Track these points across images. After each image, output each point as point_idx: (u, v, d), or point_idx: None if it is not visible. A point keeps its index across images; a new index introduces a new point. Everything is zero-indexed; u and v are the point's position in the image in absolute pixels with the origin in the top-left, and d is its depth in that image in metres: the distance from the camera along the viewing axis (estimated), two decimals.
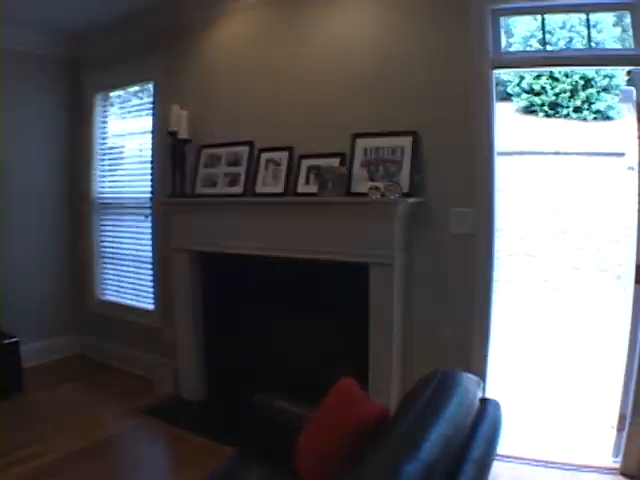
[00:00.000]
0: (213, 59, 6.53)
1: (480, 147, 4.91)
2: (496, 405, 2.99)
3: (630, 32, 4.55)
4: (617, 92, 14.44)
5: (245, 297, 6.19)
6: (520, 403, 6.45)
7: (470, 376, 2.98)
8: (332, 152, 5.59)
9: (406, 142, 5.17)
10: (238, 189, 6.17)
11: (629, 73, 4.73)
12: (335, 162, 5.52)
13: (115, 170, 7.91)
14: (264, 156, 6.09)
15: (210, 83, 6.57)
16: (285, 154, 5.94)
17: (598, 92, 14.37)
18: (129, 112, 7.71)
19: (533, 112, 14.78)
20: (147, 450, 5.62)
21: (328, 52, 5.66)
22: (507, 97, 15.26)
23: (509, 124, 14.25)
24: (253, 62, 6.19)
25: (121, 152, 7.85)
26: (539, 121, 14.50)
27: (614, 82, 14.38)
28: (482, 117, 4.89)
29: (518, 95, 15.03)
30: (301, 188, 5.73)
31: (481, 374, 4.88)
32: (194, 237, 6.35)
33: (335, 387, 3.25)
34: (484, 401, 2.96)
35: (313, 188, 5.51)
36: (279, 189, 5.88)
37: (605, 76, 14.27)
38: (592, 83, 14.28)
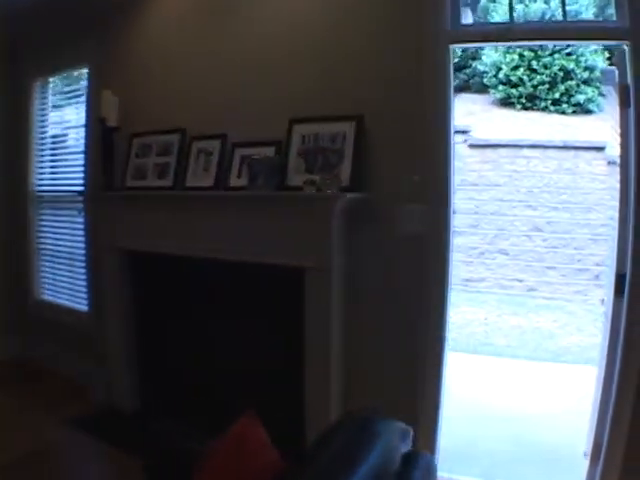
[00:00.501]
0: (146, 41, 5.79)
1: (435, 134, 4.13)
2: (427, 463, 2.25)
3: (612, 2, 3.74)
4: (597, 85, 13.92)
5: (178, 302, 5.49)
6: (478, 428, 5.71)
7: (394, 424, 2.24)
8: (267, 140, 4.81)
9: (348, 128, 4.39)
10: (167, 182, 5.42)
11: (611, 53, 3.92)
12: (270, 151, 4.74)
13: (56, 162, 7.21)
14: (196, 145, 5.32)
15: (144, 66, 5.81)
16: (218, 143, 5.16)
17: (578, 84, 13.83)
18: (68, 99, 7.04)
19: (510, 104, 14.22)
20: (69, 469, 4.94)
21: (264, 31, 4.93)
22: (484, 88, 14.76)
23: (485, 116, 13.58)
24: (187, 43, 5.45)
25: (62, 142, 7.17)
26: (516, 114, 13.88)
27: (595, 74, 13.84)
28: (438, 100, 4.10)
29: (495, 87, 14.45)
30: (233, 181, 4.96)
31: (431, 398, 4.26)
32: (123, 234, 5.62)
33: (233, 429, 2.54)
34: (411, 457, 2.21)
35: (246, 181, 4.73)
36: (210, 182, 5.12)
37: (586, 68, 13.77)
38: (572, 75, 13.75)
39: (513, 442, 5.34)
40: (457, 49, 4.34)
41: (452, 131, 4.17)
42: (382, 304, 4.38)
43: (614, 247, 3.96)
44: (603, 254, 10.93)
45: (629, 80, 3.69)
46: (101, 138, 5.82)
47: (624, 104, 3.78)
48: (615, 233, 3.95)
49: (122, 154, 5.76)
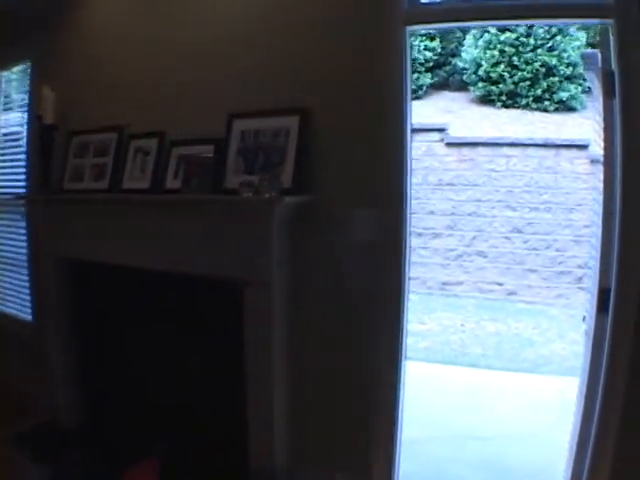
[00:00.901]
0: (86, 36, 5.30)
1: (390, 129, 3.57)
2: None
3: None
4: (581, 81, 13.34)
5: (115, 314, 4.97)
6: (448, 450, 5.20)
7: None
8: (207, 137, 4.24)
9: (292, 123, 3.82)
10: (104, 184, 4.87)
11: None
12: (210, 150, 4.17)
13: (5, 162, 6.70)
14: (134, 144, 4.76)
15: (84, 61, 5.29)
16: (155, 141, 4.61)
17: (560, 81, 13.43)
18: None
19: (490, 102, 13.82)
20: None
21: (202, 20, 4.41)
22: (463, 86, 14.38)
23: (464, 114, 13.09)
24: (124, 36, 4.94)
25: (16, 140, 6.55)
26: (497, 112, 13.50)
27: (578, 70, 13.31)
28: (393, 89, 3.55)
29: (475, 84, 14.02)
30: (170, 183, 4.40)
31: (387, 420, 3.74)
32: (62, 240, 5.08)
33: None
34: None
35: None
36: (146, 184, 4.56)
37: (568, 64, 13.37)
38: (554, 71, 13.35)
39: (486, 467, 4.86)
40: (415, 31, 3.71)
41: (409, 126, 3.61)
42: (333, 320, 3.85)
43: (597, 257, 3.40)
44: (586, 256, 10.53)
45: (614, 65, 3.11)
46: (39, 137, 5.37)
47: (608, 93, 3.20)
48: (597, 242, 3.40)
49: (60, 154, 5.27)
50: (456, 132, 11.76)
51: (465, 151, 11.46)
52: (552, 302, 10.74)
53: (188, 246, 4.09)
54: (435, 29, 5.96)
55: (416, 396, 6.28)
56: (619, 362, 3.23)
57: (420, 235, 11.52)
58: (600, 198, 3.35)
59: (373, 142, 3.60)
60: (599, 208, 3.38)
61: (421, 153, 11.61)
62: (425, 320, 9.93)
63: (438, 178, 11.53)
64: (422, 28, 4.04)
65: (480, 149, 11.38)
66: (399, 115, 3.58)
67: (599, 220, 3.35)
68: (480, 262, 11.23)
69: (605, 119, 3.21)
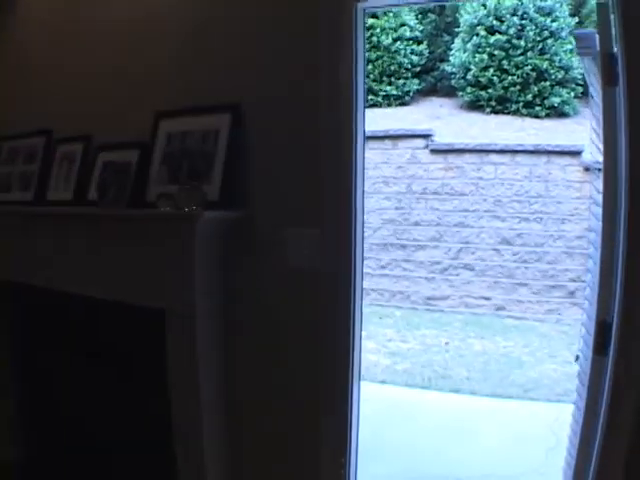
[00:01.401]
0: (14, 27, 4.67)
1: (339, 132, 2.93)
2: None
3: None
4: (573, 86, 12.83)
5: (41, 342, 4.35)
6: None
7: None
8: (133, 141, 3.62)
9: (222, 123, 3.15)
10: (29, 195, 4.27)
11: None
12: (134, 155, 3.49)
13: None
14: (60, 149, 4.17)
15: (14, 58, 4.67)
16: (80, 146, 4.00)
17: (552, 86, 12.72)
18: None
19: (479, 107, 13.16)
20: None
21: (128, 14, 3.78)
22: (452, 91, 13.77)
23: (451, 120, 12.53)
24: (55, 29, 4.31)
25: None
26: (486, 117, 12.84)
27: (570, 75, 12.80)
28: (340, 82, 2.85)
29: (463, 89, 13.37)
30: (93, 193, 3.70)
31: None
32: None
33: None
34: None
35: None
36: (69, 195, 3.95)
37: (560, 68, 12.68)
38: (546, 75, 12.66)
39: None
40: (368, 10, 3.04)
41: (361, 127, 2.95)
42: (271, 357, 3.22)
43: (594, 284, 2.73)
44: (579, 269, 10.01)
45: (616, 47, 2.42)
46: None
47: (609, 80, 2.50)
48: (595, 262, 2.72)
49: None
50: (442, 138, 11.11)
51: (451, 158, 10.85)
52: (543, 317, 10.16)
53: (106, 268, 3.48)
54: (388, 5, 5.17)
55: (389, 426, 5.62)
56: (622, 417, 2.54)
57: (404, 247, 11.04)
58: (598, 210, 2.67)
59: (318, 148, 2.92)
60: (596, 221, 2.71)
61: (404, 160, 11.13)
62: (408, 337, 9.32)
63: (422, 187, 10.92)
64: (374, 6, 3.28)
65: (467, 156, 10.76)
66: (348, 114, 2.90)
67: (597, 237, 2.68)
68: (467, 275, 10.64)
69: (606, 111, 2.52)
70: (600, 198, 2.61)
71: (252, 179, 3.13)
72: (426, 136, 11.12)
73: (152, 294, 3.20)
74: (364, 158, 3.00)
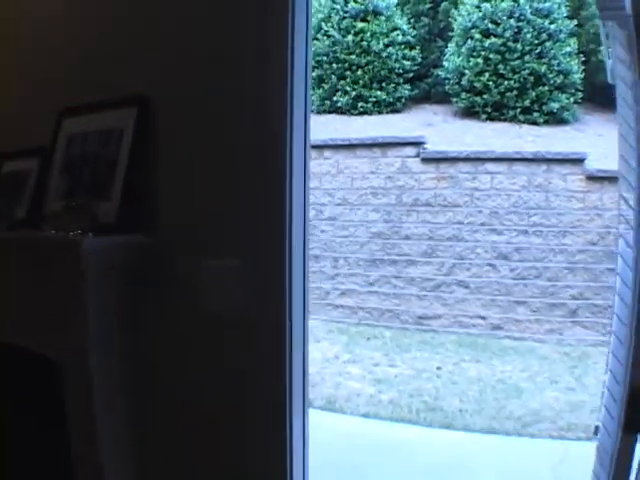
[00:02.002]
0: None
1: (272, 138, 2.15)
2: None
3: None
4: (573, 91, 12.22)
5: None
6: None
7: None
8: (31, 148, 2.86)
9: (126, 121, 2.35)
10: None
11: None
12: (33, 164, 2.74)
13: None
14: None
15: None
16: None
17: (550, 91, 12.08)
18: None
19: (475, 114, 12.46)
20: None
21: None
22: (446, 98, 13.10)
23: (445, 127, 12.06)
24: None
25: None
26: (481, 125, 12.18)
27: (570, 79, 12.19)
28: (277, 70, 2.07)
29: (457, 95, 12.66)
30: None
31: None
32: None
33: None
34: None
35: None
36: None
37: (559, 72, 12.07)
38: (544, 80, 12.01)
39: None
40: None
41: (300, 132, 2.17)
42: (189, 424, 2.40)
43: (626, 336, 1.97)
44: (581, 285, 9.43)
45: None
46: None
47: None
48: (628, 309, 1.97)
49: None
50: (434, 146, 10.45)
51: (444, 167, 10.22)
52: (543, 338, 9.47)
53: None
54: None
55: (371, 469, 5.40)
56: None
57: (393, 263, 10.36)
58: (628, 233, 1.92)
59: (244, 157, 2.16)
60: (626, 248, 1.96)
61: (394, 170, 10.47)
62: (397, 361, 8.60)
63: (413, 198, 10.27)
64: None
65: (461, 165, 10.12)
66: (282, 116, 2.15)
67: (629, 269, 1.92)
68: (461, 293, 10.00)
69: (636, 86, 1.77)
70: (632, 216, 1.85)
71: (159, 194, 2.36)
72: (417, 144, 10.48)
73: (39, 339, 2.44)
74: (307, 169, 2.22)
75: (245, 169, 2.19)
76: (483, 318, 9.81)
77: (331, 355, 8.84)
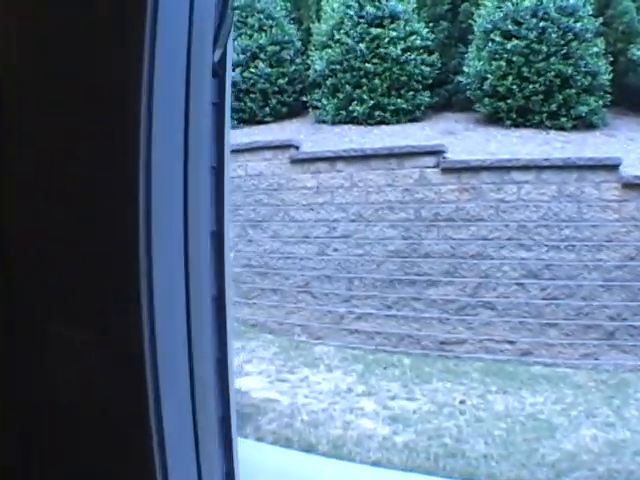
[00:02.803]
0: None
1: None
2: None
3: None
4: (601, 93, 11.36)
5: None
6: None
7: None
8: None
9: None
10: None
11: None
12: None
13: None
14: None
15: None
16: None
17: (578, 94, 11.20)
18: None
19: (499, 120, 11.57)
20: None
21: None
22: (468, 105, 12.24)
23: (467, 135, 11.34)
24: None
25: None
26: (506, 132, 11.28)
27: (598, 81, 11.28)
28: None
29: (479, 100, 11.77)
30: None
31: None
32: None
33: None
34: None
35: None
36: None
37: (587, 74, 11.15)
38: (571, 82, 11.12)
39: None
40: None
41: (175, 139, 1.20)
42: None
43: None
44: (618, 305, 8.52)
45: None
46: None
47: None
48: None
49: None
50: (456, 155, 9.67)
51: (466, 178, 9.36)
52: (577, 363, 8.55)
53: None
54: None
55: None
56: None
57: (413, 283, 9.49)
58: None
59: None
60: None
61: (412, 182, 9.62)
62: (416, 393, 7.70)
63: (433, 212, 9.42)
64: None
65: (485, 175, 9.26)
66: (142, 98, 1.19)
67: None
68: (487, 315, 9.10)
69: None
70: None
71: None
72: (437, 153, 9.63)
73: None
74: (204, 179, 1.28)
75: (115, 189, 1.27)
76: (511, 343, 8.93)
77: (344, 387, 7.96)
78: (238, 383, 8.03)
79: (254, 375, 8.45)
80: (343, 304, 9.90)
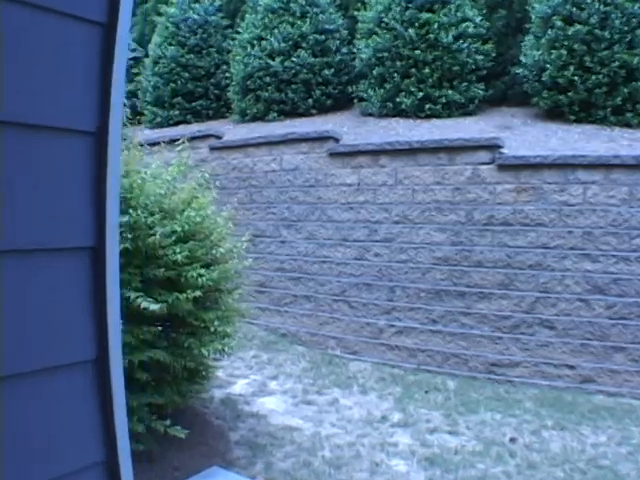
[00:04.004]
0: None
1: None
2: None
3: None
4: None
5: None
6: None
7: None
8: None
9: None
10: None
11: None
12: None
13: None
14: None
15: None
16: None
17: None
18: None
19: (559, 115, 10.28)
20: None
21: None
22: (525, 99, 11.03)
23: (525, 130, 9.96)
24: None
25: None
26: (567, 127, 9.91)
27: None
28: None
29: (538, 93, 10.51)
30: None
31: None
32: None
33: None
34: None
35: None
36: None
37: None
38: (637, 74, 9.76)
39: None
40: None
41: None
42: None
43: None
44: None
45: None
46: None
47: None
48: None
49: None
50: (513, 151, 8.51)
51: (525, 176, 8.19)
52: None
53: None
54: None
55: None
56: None
57: (462, 295, 8.39)
58: None
59: None
60: None
61: (464, 180, 8.60)
62: (459, 425, 6.55)
63: (487, 215, 8.33)
64: None
65: (546, 173, 8.07)
66: None
67: None
68: (544, 335, 7.86)
69: None
70: None
71: None
72: (492, 147, 8.49)
73: None
74: None
75: None
76: (571, 368, 7.72)
77: (378, 415, 6.81)
78: (257, 405, 7.00)
79: (277, 395, 7.38)
80: (383, 316, 8.89)
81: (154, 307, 4.82)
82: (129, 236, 4.92)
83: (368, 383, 7.76)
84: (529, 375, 7.82)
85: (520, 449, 5.96)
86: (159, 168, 5.93)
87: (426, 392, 7.46)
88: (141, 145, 6.09)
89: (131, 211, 4.94)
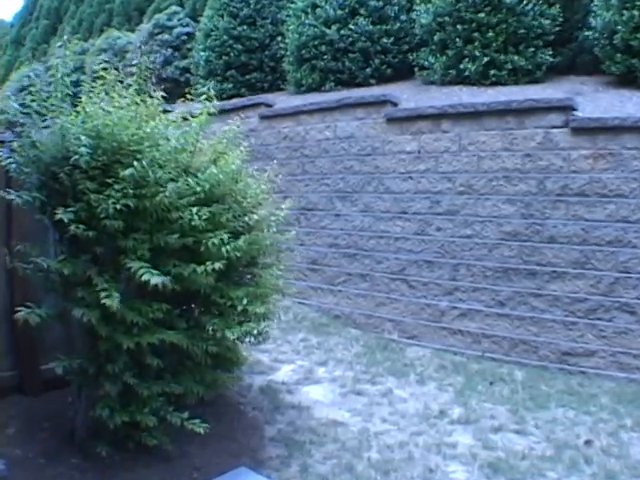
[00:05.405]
0: None
1: None
2: None
3: None
4: None
5: None
6: None
7: None
8: None
9: None
10: None
11: None
12: None
13: None
14: None
15: None
16: None
17: None
18: None
19: (633, 82, 9.15)
20: None
21: None
22: (594, 66, 9.95)
23: (597, 97, 8.93)
24: None
25: None
26: None
27: None
28: None
29: (610, 58, 9.41)
30: None
31: None
32: None
33: None
34: None
35: None
36: None
37: None
38: None
39: None
40: None
41: None
42: None
43: None
44: None
45: None
46: None
47: None
48: None
49: None
50: (588, 112, 7.62)
51: (603, 141, 7.20)
52: None
53: None
54: None
55: None
56: None
57: (533, 275, 7.49)
58: None
59: None
60: None
61: (534, 145, 7.67)
62: (527, 424, 5.62)
63: (561, 185, 7.41)
64: None
65: (626, 137, 7.05)
66: None
67: None
68: (624, 321, 6.85)
69: None
70: None
71: None
72: (566, 109, 7.53)
73: None
74: None
75: None
76: None
77: (435, 409, 5.91)
78: (301, 394, 6.18)
79: (324, 384, 6.53)
80: (445, 297, 8.11)
81: (156, 280, 3.95)
82: (131, 192, 4.07)
83: (426, 372, 6.88)
84: (605, 366, 6.84)
85: (596, 454, 5.03)
86: (178, 119, 5.06)
87: (491, 383, 6.54)
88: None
89: (136, 164, 4.05)
